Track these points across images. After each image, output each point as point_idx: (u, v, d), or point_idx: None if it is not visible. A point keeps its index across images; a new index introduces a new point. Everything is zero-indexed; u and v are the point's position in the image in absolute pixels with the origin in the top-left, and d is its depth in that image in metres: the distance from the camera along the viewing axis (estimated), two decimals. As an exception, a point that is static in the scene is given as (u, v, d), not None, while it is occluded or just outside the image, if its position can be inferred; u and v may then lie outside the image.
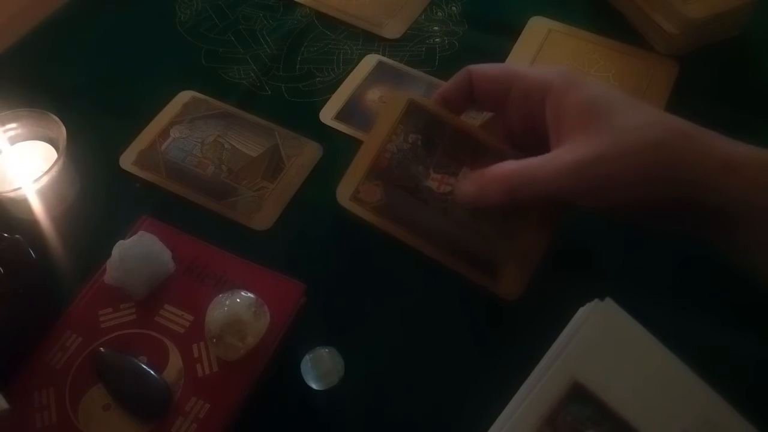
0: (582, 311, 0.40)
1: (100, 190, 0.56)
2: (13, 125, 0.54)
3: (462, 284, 0.47)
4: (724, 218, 0.41)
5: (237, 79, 0.63)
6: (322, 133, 0.59)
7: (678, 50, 0.63)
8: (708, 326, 0.48)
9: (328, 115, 0.61)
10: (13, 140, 0.54)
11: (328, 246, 0.53)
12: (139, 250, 0.47)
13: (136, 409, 0.44)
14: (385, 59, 0.64)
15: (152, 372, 0.45)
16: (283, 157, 0.57)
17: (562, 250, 0.48)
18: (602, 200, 0.43)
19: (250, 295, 0.46)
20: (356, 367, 0.46)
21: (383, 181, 0.48)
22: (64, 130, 0.52)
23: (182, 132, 0.59)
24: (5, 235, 0.47)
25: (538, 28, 0.66)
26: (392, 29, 0.67)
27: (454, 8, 0.69)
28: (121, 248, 0.48)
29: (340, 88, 0.62)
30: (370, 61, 0.64)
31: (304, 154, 0.58)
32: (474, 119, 0.57)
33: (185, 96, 0.61)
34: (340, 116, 0.60)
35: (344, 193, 0.48)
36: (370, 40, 0.66)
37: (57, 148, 0.53)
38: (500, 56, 0.64)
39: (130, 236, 0.49)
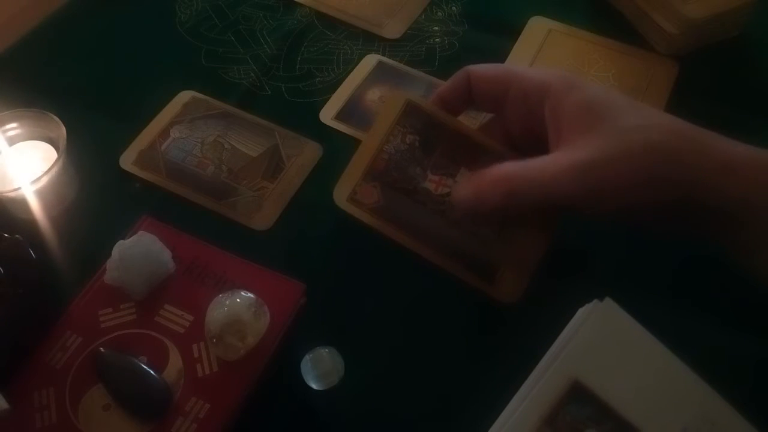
0: (582, 311, 0.40)
1: (100, 190, 0.56)
2: (13, 125, 0.54)
3: (462, 284, 0.47)
4: (725, 219, 0.41)
5: (237, 79, 0.63)
6: (322, 133, 0.59)
7: (678, 50, 0.63)
8: (708, 326, 0.48)
9: (328, 115, 0.61)
10: (12, 140, 0.54)
11: (328, 246, 0.53)
12: (139, 250, 0.47)
13: (136, 409, 0.44)
14: (385, 59, 0.64)
15: (152, 372, 0.45)
16: (283, 157, 0.57)
17: (560, 252, 0.48)
18: (603, 205, 0.43)
19: (250, 295, 0.46)
20: (356, 367, 0.46)
21: (380, 182, 0.48)
22: (64, 130, 0.52)
23: (182, 132, 0.59)
24: (5, 235, 0.47)
25: (538, 28, 0.66)
26: (392, 29, 0.67)
27: (454, 8, 0.69)
28: (121, 248, 0.48)
29: (340, 88, 0.62)
30: (370, 61, 0.64)
31: (304, 154, 0.58)
32: (473, 119, 0.57)
33: (185, 96, 0.61)
34: (340, 116, 0.60)
35: (341, 195, 0.48)
36: (370, 40, 0.66)
37: (57, 148, 0.53)
38: (500, 56, 0.64)
39: (130, 236, 0.49)
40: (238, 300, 0.45)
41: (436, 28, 0.67)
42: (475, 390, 0.46)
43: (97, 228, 0.53)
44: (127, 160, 0.57)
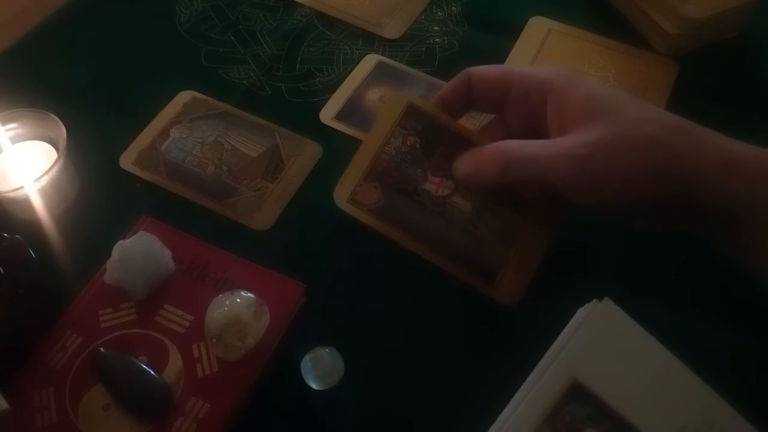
0: (581, 311, 0.40)
1: (100, 190, 0.56)
2: (13, 125, 0.54)
3: (462, 284, 0.47)
4: (724, 217, 0.41)
5: (237, 79, 0.63)
6: (322, 133, 0.59)
7: (678, 50, 0.63)
8: (708, 326, 0.48)
9: (328, 115, 0.61)
10: (13, 140, 0.54)
11: (328, 246, 0.53)
12: (139, 250, 0.48)
13: (136, 409, 0.44)
14: (385, 59, 0.64)
15: (152, 372, 0.45)
16: (283, 157, 0.57)
17: (560, 252, 0.48)
18: (600, 196, 0.43)
19: (250, 295, 0.46)
20: (356, 367, 0.46)
21: (381, 183, 0.48)
22: (64, 130, 0.52)
23: (182, 132, 0.59)
24: (5, 235, 0.47)
25: (538, 28, 0.66)
26: (392, 29, 0.67)
27: (454, 8, 0.69)
28: (121, 248, 0.48)
29: (340, 88, 0.62)
30: (370, 61, 0.64)
31: (304, 154, 0.58)
32: (474, 119, 0.57)
33: (185, 96, 0.61)
34: (340, 116, 0.60)
35: (341, 195, 0.48)
36: (370, 40, 0.66)
37: (57, 148, 0.53)
38: (500, 56, 0.64)
39: (130, 236, 0.49)
40: (238, 300, 0.45)
41: (436, 28, 0.67)
42: (475, 390, 0.46)
43: (97, 228, 0.53)
44: (127, 160, 0.57)
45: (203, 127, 0.59)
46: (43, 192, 0.52)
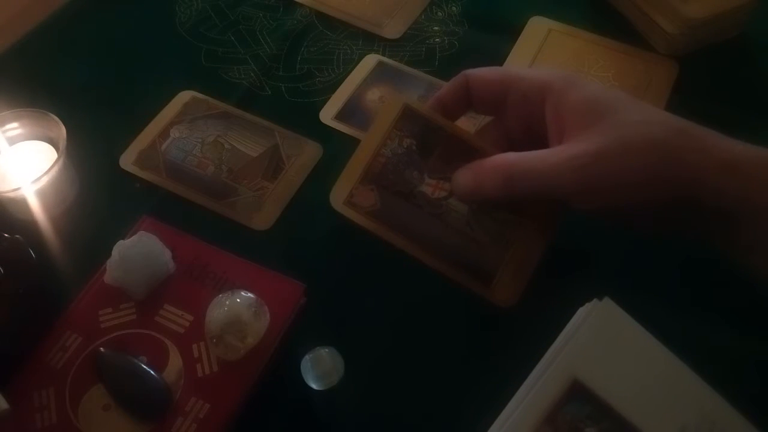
0: (581, 311, 0.41)
1: (100, 190, 0.56)
2: (13, 125, 0.54)
3: (461, 286, 0.47)
4: (726, 218, 0.41)
5: (237, 79, 0.63)
6: (322, 133, 0.59)
7: (678, 50, 0.63)
8: (708, 326, 0.48)
9: (328, 115, 0.61)
10: (13, 140, 0.54)
11: (328, 246, 0.53)
12: (139, 250, 0.48)
13: (136, 409, 0.44)
14: (385, 59, 0.64)
15: (152, 372, 0.45)
16: (283, 157, 0.57)
17: (560, 252, 0.48)
18: (601, 200, 0.43)
19: (250, 295, 0.46)
20: (356, 367, 0.46)
21: (378, 185, 0.48)
22: (64, 130, 0.52)
23: (182, 132, 0.59)
24: (5, 235, 0.47)
25: (538, 28, 0.66)
26: (392, 29, 0.67)
27: (454, 8, 0.69)
28: (121, 248, 0.48)
29: (340, 88, 0.62)
30: (370, 61, 0.64)
31: (304, 154, 0.58)
32: (473, 119, 0.57)
33: (185, 96, 0.61)
34: (340, 116, 0.60)
35: (338, 198, 0.48)
36: (370, 40, 0.66)
37: (57, 148, 0.53)
38: (500, 56, 0.64)
39: (130, 236, 0.49)
40: (238, 300, 0.45)
41: (436, 28, 0.67)
42: (475, 390, 0.46)
43: (97, 228, 0.53)
44: (127, 160, 0.57)
45: (203, 127, 0.59)
46: (43, 192, 0.52)
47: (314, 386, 0.46)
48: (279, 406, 0.46)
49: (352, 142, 0.57)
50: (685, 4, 0.61)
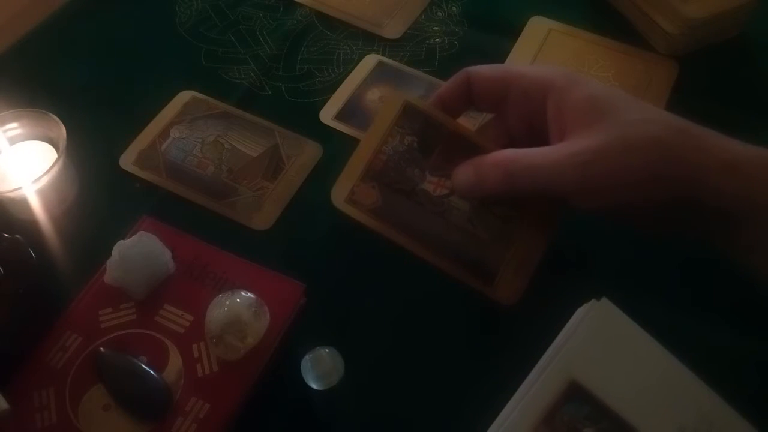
0: (579, 311, 0.41)
1: (100, 190, 0.56)
2: (13, 125, 0.54)
3: (462, 284, 0.47)
4: (726, 218, 0.41)
5: (237, 79, 0.63)
6: (322, 133, 0.59)
7: (678, 50, 0.63)
8: (708, 326, 0.48)
9: (328, 115, 0.61)
10: (13, 140, 0.54)
11: (328, 246, 0.53)
12: (139, 250, 0.48)
13: (136, 409, 0.44)
14: (385, 59, 0.64)
15: (152, 372, 0.45)
16: (283, 157, 0.57)
17: (559, 252, 0.48)
18: (602, 198, 0.43)
19: (250, 295, 0.46)
20: (356, 367, 0.46)
21: (379, 183, 0.48)
22: (64, 130, 0.52)
23: (182, 132, 0.59)
24: (5, 235, 0.47)
25: (538, 28, 0.66)
26: (392, 29, 0.67)
27: (454, 8, 0.69)
28: (121, 248, 0.48)
29: (340, 88, 0.62)
30: (370, 61, 0.64)
31: (304, 154, 0.58)
32: (474, 118, 0.57)
33: (185, 96, 0.61)
34: (340, 116, 0.60)
35: (339, 195, 0.48)
36: (370, 40, 0.66)
37: (57, 148, 0.53)
38: (500, 56, 0.64)
39: (130, 236, 0.49)
40: (238, 300, 0.45)
41: (436, 28, 0.67)
42: (475, 390, 0.46)
43: (97, 228, 0.53)
44: (127, 160, 0.57)
45: (203, 127, 0.59)
46: (43, 192, 0.52)
47: (314, 386, 0.46)
48: (279, 406, 0.46)
49: (352, 142, 0.57)
50: (685, 4, 0.61)
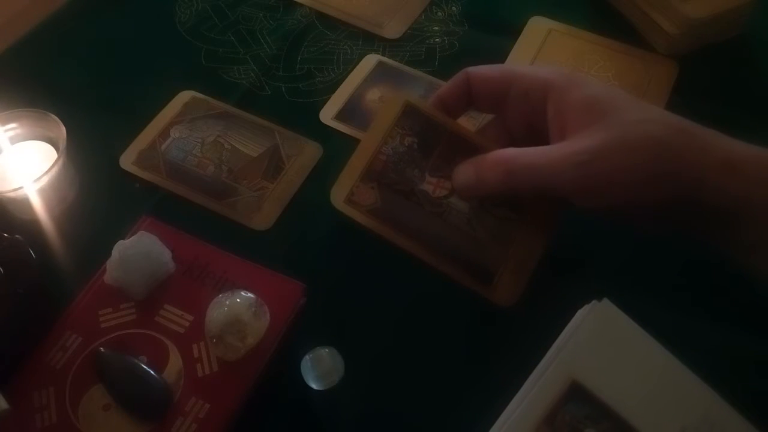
0: (580, 312, 0.40)
1: (100, 190, 0.56)
2: (13, 125, 0.54)
3: (462, 285, 0.47)
4: (725, 217, 0.41)
5: (237, 79, 0.63)
6: (322, 133, 0.59)
7: (678, 50, 0.63)
8: (708, 326, 0.48)
9: (328, 115, 0.61)
10: (13, 140, 0.54)
11: (328, 246, 0.53)
12: (139, 250, 0.48)
13: (136, 409, 0.44)
14: (385, 59, 0.64)
15: (152, 372, 0.45)
16: (283, 157, 0.57)
17: (560, 252, 0.48)
18: (602, 198, 0.43)
19: (250, 295, 0.46)
20: (356, 367, 0.46)
21: (378, 183, 0.48)
22: (64, 130, 0.52)
23: (182, 132, 0.59)
24: (5, 235, 0.47)
25: (538, 28, 0.66)
26: (392, 29, 0.67)
27: (454, 8, 0.69)
28: (121, 248, 0.48)
29: (340, 88, 0.62)
30: (370, 61, 0.64)
31: (304, 154, 0.58)
32: (474, 119, 0.57)
33: (185, 96, 0.61)
34: (340, 116, 0.60)
35: (339, 196, 0.48)
36: (370, 40, 0.66)
37: (57, 148, 0.53)
38: (500, 56, 0.64)
39: (130, 236, 0.49)
40: (238, 300, 0.45)
41: (436, 28, 0.67)
42: (475, 390, 0.46)
43: (97, 228, 0.53)
44: (127, 160, 0.57)
45: (203, 127, 0.59)
46: (43, 192, 0.52)
47: (314, 386, 0.46)
48: (279, 406, 0.46)
49: (352, 142, 0.57)
50: (685, 4, 0.61)
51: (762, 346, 0.47)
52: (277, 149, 0.58)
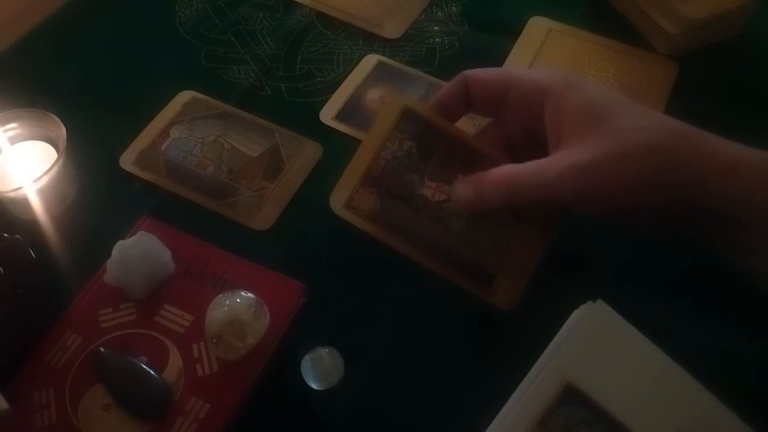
0: (575, 314, 0.40)
1: (100, 190, 0.56)
2: (13, 125, 0.54)
3: (461, 287, 0.47)
4: (725, 220, 0.41)
5: (237, 79, 0.63)
6: (322, 133, 0.59)
7: (678, 50, 0.63)
8: (707, 326, 0.48)
9: (328, 115, 0.61)
10: (13, 140, 0.54)
11: (328, 246, 0.53)
12: (139, 250, 0.48)
13: (136, 409, 0.44)
14: (385, 59, 0.64)
15: (152, 372, 0.45)
16: (283, 157, 0.57)
17: (557, 254, 0.48)
18: (603, 205, 0.43)
19: (250, 295, 0.46)
20: (356, 367, 0.46)
21: (377, 188, 0.48)
22: (64, 130, 0.52)
23: (182, 132, 0.59)
24: (5, 235, 0.47)
25: (538, 28, 0.66)
26: (392, 29, 0.67)
27: (454, 8, 0.69)
28: (121, 248, 0.48)
29: (340, 88, 0.62)
30: (370, 61, 0.64)
31: (304, 154, 0.58)
32: (474, 119, 0.57)
33: (185, 96, 0.61)
34: (340, 116, 0.60)
35: (338, 201, 0.48)
36: (370, 40, 0.66)
37: (57, 148, 0.53)
38: (500, 56, 0.64)
39: (130, 236, 0.49)
40: (238, 300, 0.45)
41: (436, 28, 0.67)
42: (475, 390, 0.46)
43: (97, 228, 0.53)
44: (127, 160, 0.57)
45: (203, 127, 0.59)
46: (43, 192, 0.52)
47: (314, 386, 0.46)
48: (279, 406, 0.46)
49: (352, 143, 0.57)
50: (685, 4, 0.61)
51: (759, 347, 0.47)
52: (277, 149, 0.58)
